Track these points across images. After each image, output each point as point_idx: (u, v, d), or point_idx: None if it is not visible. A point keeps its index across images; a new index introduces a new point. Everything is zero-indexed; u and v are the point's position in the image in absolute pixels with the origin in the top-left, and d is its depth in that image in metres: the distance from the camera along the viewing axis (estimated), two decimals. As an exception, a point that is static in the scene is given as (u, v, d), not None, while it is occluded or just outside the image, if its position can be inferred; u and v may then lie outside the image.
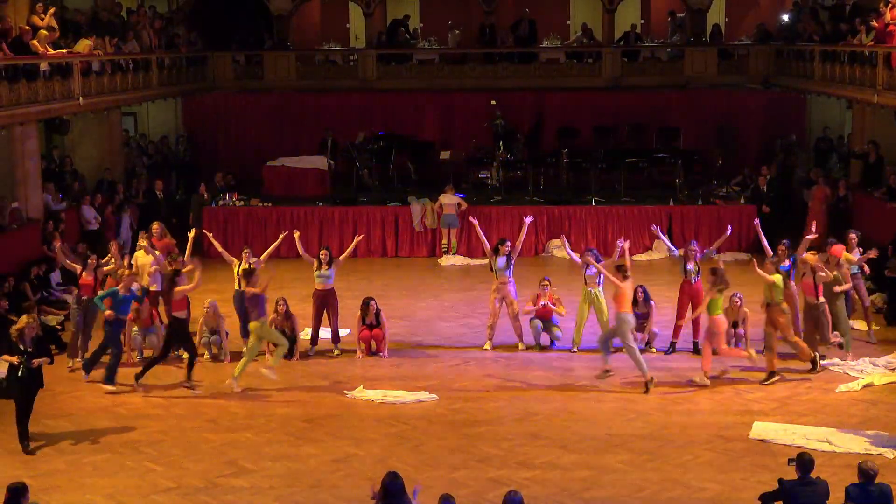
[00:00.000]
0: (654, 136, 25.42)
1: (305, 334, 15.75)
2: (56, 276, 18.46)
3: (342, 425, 12.59)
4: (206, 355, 15.16)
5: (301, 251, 15.75)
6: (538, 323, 15.45)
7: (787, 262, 14.78)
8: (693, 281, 15.05)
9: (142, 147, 25.99)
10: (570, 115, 26.32)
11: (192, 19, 27.96)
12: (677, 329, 15.25)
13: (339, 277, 15.68)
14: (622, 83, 26.69)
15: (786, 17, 26.70)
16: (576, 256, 15.60)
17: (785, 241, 15.13)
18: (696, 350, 15.06)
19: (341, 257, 15.71)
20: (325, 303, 15.39)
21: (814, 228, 15.50)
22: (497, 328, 15.55)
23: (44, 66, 18.52)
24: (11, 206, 19.10)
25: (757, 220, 16.07)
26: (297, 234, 15.84)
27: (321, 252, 15.48)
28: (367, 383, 13.89)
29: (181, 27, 26.66)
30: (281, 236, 15.97)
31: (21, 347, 11.70)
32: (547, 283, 15.55)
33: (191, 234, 15.64)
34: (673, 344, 15.25)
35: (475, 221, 16.25)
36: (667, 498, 10.60)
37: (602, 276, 14.75)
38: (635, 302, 14.60)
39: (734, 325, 14.62)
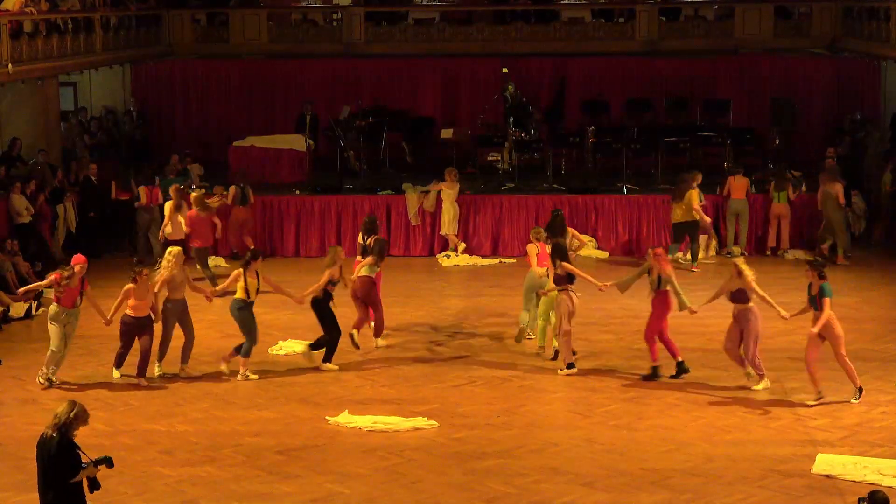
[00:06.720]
0: (697, 111, 25.46)
1: (279, 348, 15.93)
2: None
3: (323, 458, 12.62)
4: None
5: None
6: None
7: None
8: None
9: (83, 123, 26.00)
10: (598, 86, 26.39)
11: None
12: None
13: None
14: (660, 47, 26.70)
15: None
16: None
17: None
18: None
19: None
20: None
21: None
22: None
23: (-35, 26, 18.55)
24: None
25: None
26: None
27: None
28: (353, 407, 13.91)
29: (130, -20, 26.69)
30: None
31: None
32: (539, 231, 15.99)
33: None
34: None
35: None
36: (712, 545, 10.64)
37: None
38: None
39: None
